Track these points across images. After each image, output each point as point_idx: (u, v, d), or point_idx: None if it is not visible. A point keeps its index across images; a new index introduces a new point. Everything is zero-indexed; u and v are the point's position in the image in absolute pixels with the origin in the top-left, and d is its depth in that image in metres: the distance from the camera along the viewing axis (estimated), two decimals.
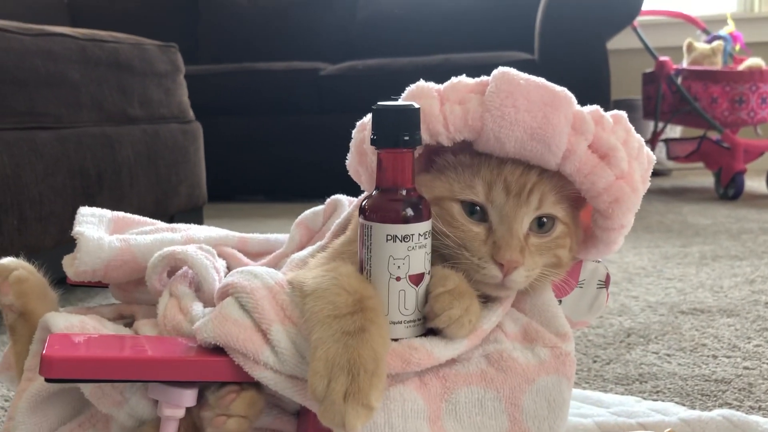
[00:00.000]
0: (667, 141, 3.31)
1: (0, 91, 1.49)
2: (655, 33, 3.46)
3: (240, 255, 0.83)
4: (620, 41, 3.01)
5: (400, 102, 0.64)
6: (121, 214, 0.85)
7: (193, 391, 0.63)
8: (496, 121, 0.68)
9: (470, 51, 2.95)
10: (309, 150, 2.87)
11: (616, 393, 1.10)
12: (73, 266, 0.76)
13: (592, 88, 2.63)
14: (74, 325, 0.68)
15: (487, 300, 0.71)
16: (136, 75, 1.87)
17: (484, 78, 0.73)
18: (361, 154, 0.75)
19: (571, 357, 0.70)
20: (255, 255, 0.86)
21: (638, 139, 0.76)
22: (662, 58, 3.04)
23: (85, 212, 0.82)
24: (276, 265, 0.81)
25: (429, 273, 0.66)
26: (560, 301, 0.77)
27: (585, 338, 1.33)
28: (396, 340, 0.64)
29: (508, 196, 0.70)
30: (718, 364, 1.17)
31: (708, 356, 1.20)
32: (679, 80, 3.03)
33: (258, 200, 3.33)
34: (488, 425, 0.65)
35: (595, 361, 1.22)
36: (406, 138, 0.62)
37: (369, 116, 0.76)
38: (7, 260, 0.76)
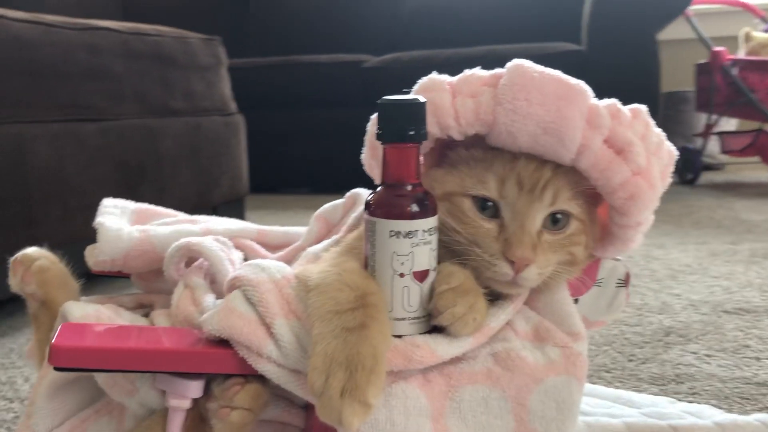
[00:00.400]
0: (721, 134, 3.21)
1: (44, 84, 1.53)
2: (709, 22, 3.35)
3: (258, 247, 0.84)
4: (672, 31, 2.93)
5: (406, 96, 0.63)
6: (144, 205, 0.87)
7: (200, 382, 0.63)
8: (508, 115, 0.67)
9: (516, 42, 2.90)
10: (352, 143, 2.84)
11: (650, 393, 1.07)
12: (93, 256, 0.78)
13: (641, 80, 2.56)
14: (90, 315, 0.70)
15: (497, 297, 0.69)
16: (178, 68, 1.90)
17: (498, 71, 0.72)
18: (373, 147, 0.74)
19: (583, 357, 0.68)
20: (274, 247, 0.87)
21: (658, 134, 0.74)
22: (717, 49, 2.95)
23: (108, 203, 0.84)
24: (293, 258, 0.82)
25: (434, 270, 0.65)
26: (577, 300, 0.76)
27: (621, 336, 1.30)
28: (399, 336, 0.63)
29: (521, 191, 0.68)
30: (761, 366, 1.12)
31: (751, 358, 1.16)
32: (735, 71, 2.93)
33: (302, 192, 3.35)
34: (493, 425, 0.64)
35: (630, 360, 1.20)
36: (412, 133, 0.62)
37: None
38: (31, 250, 0.78)
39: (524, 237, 0.67)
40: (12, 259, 0.78)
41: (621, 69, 2.58)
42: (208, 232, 0.82)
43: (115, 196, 1.69)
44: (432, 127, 0.69)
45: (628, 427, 0.90)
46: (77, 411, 0.73)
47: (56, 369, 0.59)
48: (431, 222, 0.63)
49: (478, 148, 0.72)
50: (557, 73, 0.71)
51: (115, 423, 0.71)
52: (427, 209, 0.63)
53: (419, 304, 0.64)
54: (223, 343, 0.63)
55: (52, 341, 0.59)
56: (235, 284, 0.66)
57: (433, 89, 0.70)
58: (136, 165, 1.76)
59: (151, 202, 1.81)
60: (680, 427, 0.84)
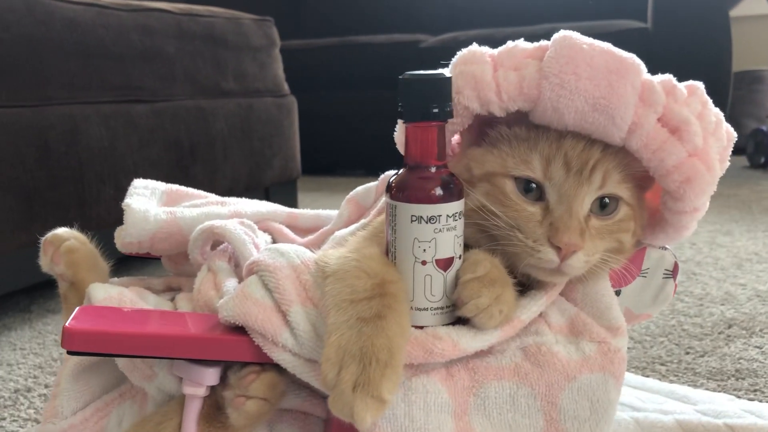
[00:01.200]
0: None
1: (97, 66, 1.54)
2: None
3: (287, 231, 0.82)
4: (746, 7, 2.78)
5: (429, 72, 0.59)
6: (175, 187, 0.85)
7: (216, 369, 0.62)
8: (555, 90, 0.63)
9: (577, 20, 2.79)
10: None
11: (707, 389, 1.02)
12: (120, 237, 0.77)
13: (711, 59, 2.44)
14: (113, 297, 0.69)
15: (529, 287, 0.65)
16: (230, 49, 1.90)
17: (544, 43, 0.67)
18: None
19: (622, 354, 0.63)
20: (305, 231, 0.84)
21: (716, 113, 0.68)
22: None
23: (138, 184, 0.83)
24: (322, 242, 0.79)
25: (460, 257, 0.61)
26: (619, 291, 0.71)
27: (679, 327, 1.24)
28: (421, 327, 0.60)
29: (568, 173, 0.64)
30: None
31: None
32: None
33: (357, 174, 3.33)
34: (521, 424, 0.60)
35: (687, 353, 1.14)
36: (435, 110, 0.58)
37: None
38: (61, 231, 0.78)
39: (572, 221, 0.62)
40: (43, 239, 0.78)
41: (690, 47, 2.46)
42: (237, 215, 0.80)
43: (167, 176, 1.71)
44: (471, 102, 0.65)
45: (680, 425, 0.84)
46: (102, 394, 0.72)
47: (69, 353, 0.58)
48: (456, 206, 0.60)
49: (521, 125, 0.68)
50: (608, 46, 0.66)
51: (138, 407, 0.70)
52: (452, 193, 0.59)
53: (443, 294, 0.60)
54: (240, 329, 0.61)
55: (65, 324, 0.58)
56: (253, 269, 0.64)
57: (473, 61, 0.66)
58: (188, 146, 1.76)
59: (202, 182, 1.83)
60: (737, 427, 0.79)
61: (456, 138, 0.74)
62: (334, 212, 0.86)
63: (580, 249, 0.62)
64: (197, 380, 0.61)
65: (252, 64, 1.97)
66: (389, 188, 0.60)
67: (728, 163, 0.72)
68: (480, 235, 0.65)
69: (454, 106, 0.64)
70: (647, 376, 1.08)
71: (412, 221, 0.58)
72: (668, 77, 0.68)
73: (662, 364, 1.12)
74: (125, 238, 0.76)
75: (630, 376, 1.08)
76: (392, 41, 3.04)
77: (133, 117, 1.62)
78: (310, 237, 0.81)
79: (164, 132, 1.70)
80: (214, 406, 0.63)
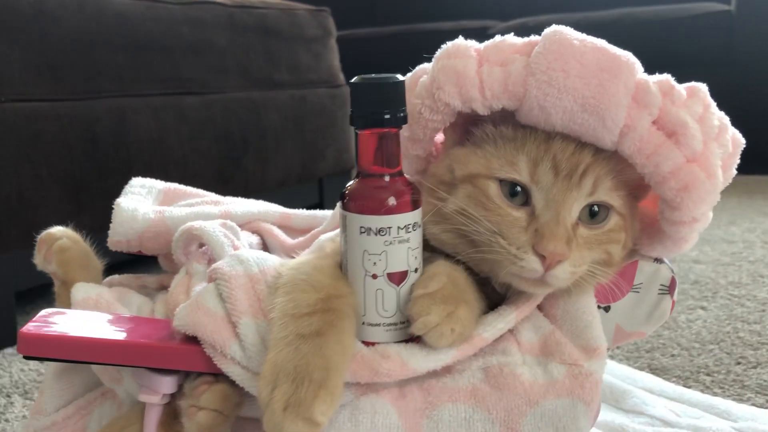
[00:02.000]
0: None
1: (147, 59, 1.57)
2: None
3: (278, 232, 0.80)
4: None
5: (381, 75, 0.56)
6: (173, 185, 0.85)
7: (173, 378, 0.61)
8: (542, 87, 0.59)
9: (654, 3, 2.65)
10: None
11: (754, 404, 0.95)
12: (110, 236, 0.78)
13: None
14: (90, 298, 0.69)
15: (500, 302, 0.62)
16: (284, 40, 1.90)
17: (534, 38, 0.63)
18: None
19: (594, 378, 0.58)
20: (299, 231, 0.83)
21: (720, 117, 0.63)
22: None
23: (135, 183, 0.83)
24: (311, 244, 0.77)
25: (417, 271, 0.58)
26: (609, 308, 0.66)
27: (734, 334, 1.17)
28: (373, 344, 0.57)
29: (557, 176, 0.60)
30: None
31: None
32: None
33: None
34: None
35: (738, 363, 1.07)
36: (387, 117, 0.55)
37: (414, 71, 0.69)
38: (55, 229, 0.79)
39: (558, 229, 0.58)
40: (39, 236, 0.79)
41: None
42: (227, 215, 0.79)
43: (218, 168, 1.73)
44: (452, 99, 0.61)
45: None
46: (85, 392, 0.73)
47: (24, 357, 0.59)
48: (410, 218, 0.56)
49: (508, 124, 0.64)
50: (601, 43, 0.61)
51: (117, 407, 0.70)
52: (406, 203, 0.56)
53: (396, 309, 0.57)
54: (195, 338, 0.60)
55: (20, 328, 0.58)
56: (212, 277, 0.62)
57: (456, 55, 0.62)
58: (239, 137, 1.78)
59: (254, 174, 1.84)
60: None
61: (440, 137, 0.70)
62: (329, 212, 0.84)
63: (566, 259, 0.58)
64: (153, 388, 0.60)
65: (306, 54, 1.96)
66: (342, 197, 0.57)
67: (734, 172, 0.66)
68: (459, 240, 0.62)
69: (434, 102, 0.61)
70: (689, 387, 1.02)
71: (361, 233, 0.55)
72: (666, 77, 0.63)
73: (708, 374, 1.05)
74: (113, 237, 0.77)
75: (668, 387, 1.01)
76: (460, 28, 2.94)
77: (183, 109, 1.65)
78: (301, 239, 0.80)
79: (215, 124, 1.72)
80: (171, 414, 0.62)
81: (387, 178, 0.56)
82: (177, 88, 1.65)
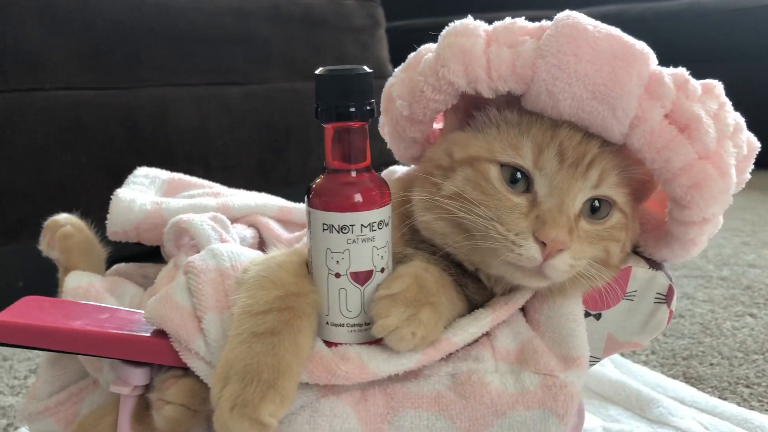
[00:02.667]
0: None
1: (189, 49, 1.59)
2: None
3: (274, 225, 0.79)
4: None
5: (347, 66, 0.54)
6: (178, 175, 0.85)
7: (144, 370, 0.60)
8: (551, 71, 0.56)
9: None
10: None
11: None
12: (107, 227, 0.78)
13: None
14: (81, 287, 0.70)
15: (480, 305, 0.59)
16: (329, 30, 1.89)
17: (547, 22, 0.61)
18: (387, 100, 0.66)
19: (569, 390, 0.55)
20: (300, 225, 0.81)
21: (736, 117, 0.60)
22: None
23: (139, 173, 0.84)
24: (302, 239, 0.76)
25: (383, 270, 0.56)
26: (600, 315, 0.62)
27: None
28: (337, 344, 0.55)
29: (562, 164, 0.58)
30: None
31: None
32: None
33: None
34: None
35: None
36: (352, 110, 0.52)
37: (419, 50, 0.66)
38: (60, 216, 0.80)
39: (561, 216, 0.56)
40: (45, 223, 0.80)
41: None
42: (224, 207, 0.79)
43: (259, 157, 1.74)
44: (457, 78, 0.59)
45: None
46: (78, 380, 0.73)
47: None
48: (376, 215, 0.54)
49: (513, 110, 0.61)
50: (615, 30, 0.59)
51: (106, 395, 0.71)
52: (371, 200, 0.54)
53: (360, 310, 0.55)
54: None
55: None
56: (185, 270, 0.61)
57: (464, 34, 0.60)
58: (282, 128, 1.78)
59: (296, 164, 1.84)
60: None
61: (438, 125, 0.68)
62: None
63: (567, 248, 0.55)
64: (125, 379, 0.60)
65: (352, 45, 1.95)
66: (307, 192, 0.55)
67: (748, 176, 0.61)
68: (451, 229, 0.59)
69: (438, 80, 0.59)
70: (725, 399, 0.98)
71: (323, 230, 0.53)
72: (681, 71, 0.60)
73: (747, 386, 1.00)
74: (111, 228, 0.77)
75: (701, 397, 0.97)
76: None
77: (225, 99, 1.66)
78: (297, 233, 0.78)
79: (257, 114, 1.73)
80: (143, 406, 0.62)
81: (353, 174, 0.54)
82: (219, 79, 1.66)
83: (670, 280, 0.62)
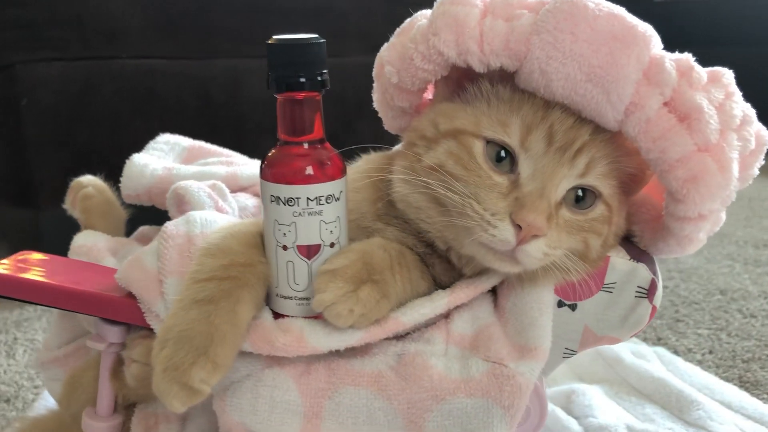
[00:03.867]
0: None
1: (264, 21, 1.61)
2: None
3: None
4: None
5: (300, 35, 0.53)
6: (198, 143, 0.87)
7: (120, 329, 0.62)
8: (545, 48, 0.54)
9: None
10: None
11: None
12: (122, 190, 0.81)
13: None
14: (84, 245, 0.73)
15: (443, 286, 0.57)
16: (408, 5, 1.86)
17: None
18: (382, 89, 0.65)
19: (518, 381, 0.52)
20: None
21: (745, 108, 0.56)
22: None
23: (160, 139, 0.86)
24: None
25: (333, 245, 0.55)
26: (575, 306, 0.59)
27: None
28: (283, 316, 0.55)
29: (549, 147, 0.55)
30: None
31: None
32: None
33: None
34: None
35: None
36: (302, 80, 0.51)
37: (414, 15, 0.65)
38: (84, 178, 0.83)
39: (541, 201, 0.54)
40: (71, 183, 0.84)
41: None
42: (233, 176, 0.79)
43: (330, 130, 1.74)
44: (447, 48, 0.57)
45: None
46: (86, 334, 0.77)
47: None
48: (324, 189, 0.53)
49: (506, 86, 0.59)
50: (619, 10, 0.55)
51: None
52: (320, 174, 0.53)
53: (308, 284, 0.54)
54: None
55: None
56: (159, 234, 0.63)
57: (459, 2, 0.58)
58: (354, 101, 1.78)
59: (367, 137, 1.83)
60: None
61: (428, 96, 0.66)
62: None
63: (542, 234, 0.53)
64: (102, 335, 0.63)
65: None
66: (261, 162, 0.55)
67: (756, 172, 0.56)
68: (428, 203, 0.58)
69: (428, 48, 0.57)
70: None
71: (271, 201, 0.53)
72: (686, 56, 0.56)
73: None
74: (124, 190, 0.80)
75: (750, 403, 0.95)
76: None
77: None
78: None
79: (330, 87, 1.73)
80: (119, 363, 0.64)
81: (306, 146, 0.53)
82: None
83: (653, 274, 0.58)
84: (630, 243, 0.61)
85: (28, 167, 1.38)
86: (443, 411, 0.52)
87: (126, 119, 1.44)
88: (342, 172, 0.54)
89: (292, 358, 0.55)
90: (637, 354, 1.11)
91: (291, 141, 0.53)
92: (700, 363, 1.11)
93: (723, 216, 0.58)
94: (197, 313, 0.51)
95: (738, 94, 0.56)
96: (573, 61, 0.53)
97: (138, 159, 0.80)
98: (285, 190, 0.52)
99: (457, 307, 0.57)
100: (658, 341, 1.19)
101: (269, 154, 0.54)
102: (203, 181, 0.73)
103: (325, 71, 0.52)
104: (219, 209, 0.71)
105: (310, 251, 0.54)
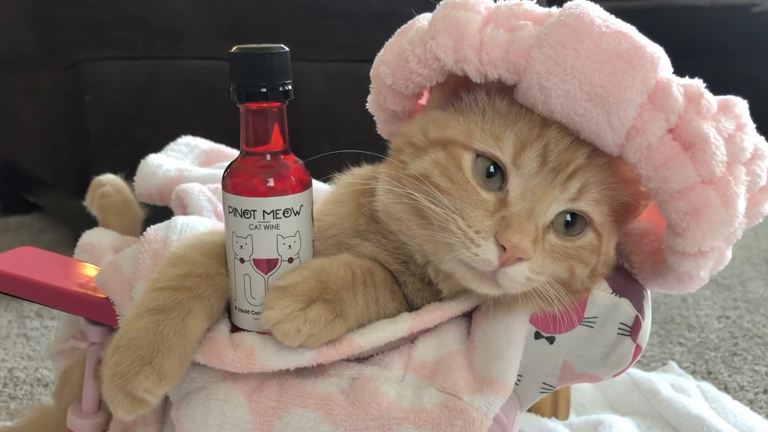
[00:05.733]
0: None
1: (327, 25, 1.62)
2: None
3: None
4: None
5: (263, 45, 0.51)
6: (218, 147, 0.87)
7: (102, 329, 0.63)
8: (546, 63, 0.51)
9: None
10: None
11: None
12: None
13: None
14: (89, 243, 0.74)
15: (415, 308, 0.55)
16: None
17: (557, 9, 0.55)
18: (378, 92, 0.63)
19: (471, 416, 0.49)
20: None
21: (758, 141, 0.52)
22: None
23: (181, 141, 0.87)
24: None
25: (292, 261, 0.53)
26: (552, 339, 0.55)
27: None
28: (243, 330, 0.54)
29: (543, 167, 0.52)
30: None
31: None
32: None
33: None
34: None
35: None
36: (264, 90, 0.50)
37: (417, 17, 0.63)
38: (104, 177, 0.85)
39: (529, 223, 0.51)
40: (92, 181, 0.86)
41: None
42: None
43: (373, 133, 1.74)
44: (445, 54, 0.54)
45: None
46: None
47: None
48: (282, 202, 0.51)
49: (504, 98, 0.56)
50: (629, 29, 0.53)
51: None
52: (280, 187, 0.51)
53: (264, 298, 0.53)
54: None
55: None
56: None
57: (462, 6, 0.55)
58: None
59: None
60: None
61: (423, 101, 0.63)
62: None
63: (527, 258, 0.51)
64: (84, 334, 0.64)
65: None
66: (224, 172, 0.54)
67: (766, 211, 0.51)
68: (409, 215, 0.55)
69: (425, 52, 0.55)
70: None
71: (229, 212, 0.52)
72: (696, 83, 0.52)
73: None
74: (137, 189, 0.81)
75: None
76: (719, 5, 2.61)
77: (359, 76, 1.66)
78: None
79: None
80: (99, 362, 0.65)
81: (268, 157, 0.52)
82: (356, 56, 1.67)
83: (638, 311, 0.53)
84: (616, 276, 0.57)
85: (89, 161, 1.43)
86: None
87: (185, 118, 1.48)
88: (304, 186, 0.52)
89: (246, 374, 0.54)
90: (677, 388, 1.04)
91: (251, 152, 0.52)
92: (751, 403, 1.03)
93: (728, 255, 0.53)
94: (147, 322, 0.51)
95: (751, 126, 0.52)
96: (574, 78, 0.50)
97: (152, 159, 0.81)
98: (241, 202, 0.51)
99: (423, 332, 0.55)
100: (708, 375, 1.12)
101: (231, 164, 0.54)
102: (209, 185, 0.73)
103: (288, 81, 0.51)
104: (219, 214, 0.71)
105: (266, 265, 0.52)
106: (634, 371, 1.07)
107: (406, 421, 0.50)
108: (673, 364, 1.12)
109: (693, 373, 1.12)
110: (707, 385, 1.06)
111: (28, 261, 0.66)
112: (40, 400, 1.00)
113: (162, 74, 1.46)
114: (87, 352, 0.65)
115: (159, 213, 0.87)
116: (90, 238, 0.75)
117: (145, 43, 1.44)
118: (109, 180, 0.85)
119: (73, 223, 1.73)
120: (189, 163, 0.84)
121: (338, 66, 1.64)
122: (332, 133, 1.65)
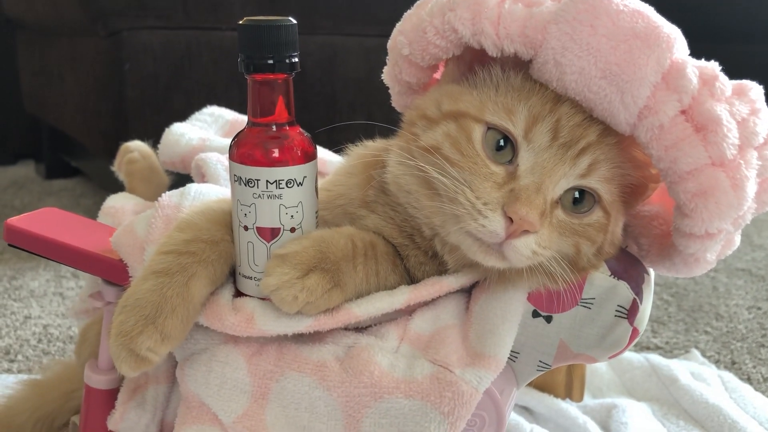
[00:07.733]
0: None
1: (366, 1, 1.62)
2: None
3: None
4: None
5: (271, 18, 0.52)
6: (242, 117, 0.89)
7: (118, 289, 0.65)
8: (562, 39, 0.51)
9: None
10: None
11: None
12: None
13: None
14: (112, 206, 0.77)
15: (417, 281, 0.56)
16: None
17: None
18: (395, 63, 0.63)
19: (460, 388, 0.50)
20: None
21: None
22: None
23: (206, 111, 0.88)
24: None
25: (294, 230, 0.54)
26: (550, 318, 0.55)
27: None
28: (246, 296, 0.56)
29: (554, 141, 0.53)
30: None
31: None
32: None
33: None
34: (316, 429, 0.52)
35: None
36: (270, 62, 0.51)
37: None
38: (132, 143, 0.88)
39: (537, 197, 0.52)
40: (120, 147, 0.89)
41: None
42: None
43: None
44: (462, 26, 0.55)
45: None
46: None
47: (9, 245, 0.67)
48: (285, 173, 0.52)
49: (519, 73, 0.56)
50: (647, 8, 0.53)
51: None
52: (283, 157, 0.52)
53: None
54: None
55: (8, 219, 0.67)
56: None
57: None
58: None
59: None
60: None
61: (438, 75, 0.64)
62: None
63: (534, 230, 0.51)
64: (101, 294, 0.66)
65: None
66: (231, 141, 0.55)
67: None
68: (419, 187, 0.56)
69: (443, 23, 0.55)
70: None
71: (234, 181, 0.53)
72: (712, 65, 0.52)
73: None
74: (161, 157, 0.83)
75: None
76: None
77: None
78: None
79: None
80: None
81: (273, 128, 0.53)
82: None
83: (636, 295, 0.53)
84: (616, 258, 0.56)
85: (127, 128, 1.46)
86: (380, 409, 0.51)
87: (222, 89, 1.50)
88: (308, 158, 0.53)
89: (247, 338, 0.55)
90: (697, 376, 1.03)
91: (258, 122, 0.53)
92: None
93: (737, 240, 0.53)
94: (152, 283, 0.53)
95: (765, 112, 0.52)
96: (589, 55, 0.51)
97: (176, 128, 0.83)
98: (246, 171, 0.52)
99: (421, 306, 0.56)
100: (732, 365, 1.10)
101: (238, 134, 0.55)
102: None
103: (295, 54, 0.52)
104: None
105: (269, 234, 0.54)
106: (654, 357, 1.06)
107: (396, 391, 0.51)
108: (696, 352, 1.11)
109: (716, 362, 1.11)
110: (728, 375, 1.04)
111: (51, 221, 0.68)
112: (71, 356, 1.04)
113: (200, 44, 1.48)
114: (104, 311, 0.68)
115: (183, 180, 0.90)
116: (114, 202, 0.78)
117: (184, 14, 1.46)
118: (137, 146, 0.87)
119: (113, 189, 1.77)
120: (213, 133, 0.86)
121: (375, 41, 1.64)
122: (365, 107, 1.66)
